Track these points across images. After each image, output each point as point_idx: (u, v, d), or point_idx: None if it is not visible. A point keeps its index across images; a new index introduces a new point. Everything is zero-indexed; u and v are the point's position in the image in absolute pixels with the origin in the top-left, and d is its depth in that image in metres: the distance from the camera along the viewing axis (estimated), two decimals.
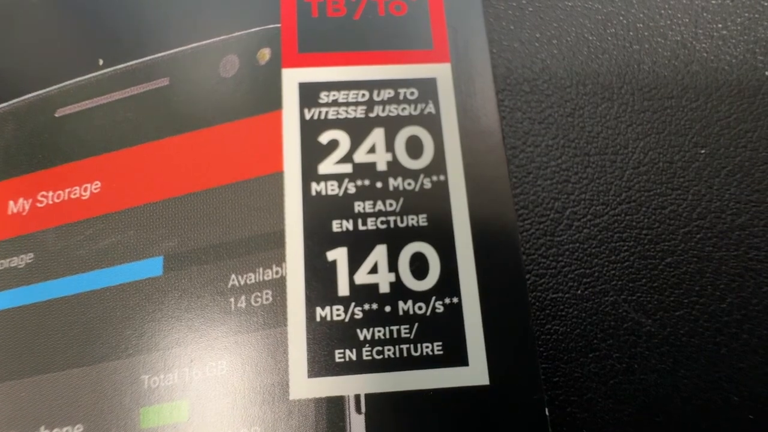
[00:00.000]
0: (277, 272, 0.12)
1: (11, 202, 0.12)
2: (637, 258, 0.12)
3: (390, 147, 0.12)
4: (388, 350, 0.11)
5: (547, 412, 0.11)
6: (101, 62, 0.13)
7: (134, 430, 0.11)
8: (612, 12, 0.14)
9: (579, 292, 0.12)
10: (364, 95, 0.13)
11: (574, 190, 0.13)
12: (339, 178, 0.12)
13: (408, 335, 0.11)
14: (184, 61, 0.13)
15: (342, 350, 0.11)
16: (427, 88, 0.13)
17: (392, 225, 0.12)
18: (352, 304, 0.11)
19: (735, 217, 0.13)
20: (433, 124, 0.13)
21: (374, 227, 0.12)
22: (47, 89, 0.13)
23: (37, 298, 0.11)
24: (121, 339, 0.11)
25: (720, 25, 0.14)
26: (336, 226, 0.12)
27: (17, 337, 0.11)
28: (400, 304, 0.11)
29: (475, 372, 0.11)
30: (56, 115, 0.13)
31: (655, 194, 0.13)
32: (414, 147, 0.13)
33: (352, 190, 0.12)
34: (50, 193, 0.12)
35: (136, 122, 0.12)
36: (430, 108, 0.13)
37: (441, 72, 0.13)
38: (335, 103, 0.13)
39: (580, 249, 0.13)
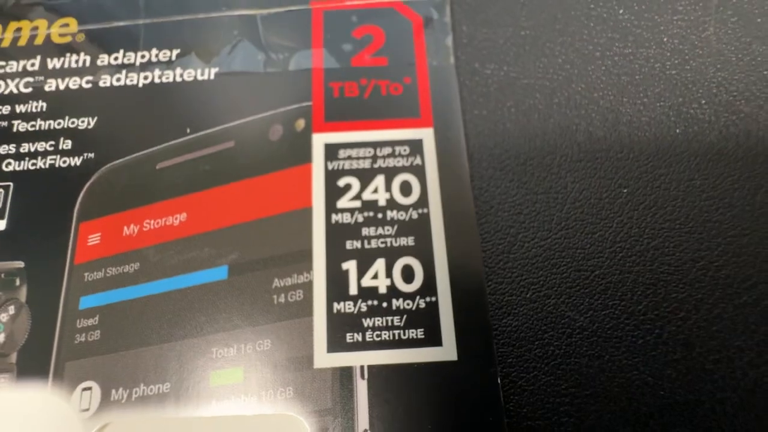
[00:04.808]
0: (306, 277, 0.15)
1: (125, 227, 0.16)
2: (573, 271, 0.15)
3: (388, 188, 0.16)
4: (385, 334, 0.14)
5: (499, 381, 0.14)
6: (188, 130, 0.17)
7: (207, 387, 0.14)
8: (557, 86, 0.18)
9: (528, 295, 0.15)
10: (369, 151, 0.16)
11: (525, 220, 0.16)
12: (351, 211, 0.16)
13: (399, 324, 0.14)
14: (244, 129, 0.17)
15: (352, 334, 0.14)
16: (416, 146, 0.16)
17: (389, 244, 0.15)
18: (359, 300, 0.15)
19: (650, 240, 0.15)
20: (419, 172, 0.16)
21: (376, 246, 0.15)
22: (151, 149, 0.17)
23: (141, 294, 0.15)
24: (197, 323, 0.15)
25: (642, 94, 0.18)
26: (349, 245, 0.15)
27: (127, 321, 0.15)
28: (394, 301, 0.15)
29: (447, 351, 0.14)
30: (156, 168, 0.16)
31: (588, 223, 0.16)
32: (405, 188, 0.16)
33: (360, 219, 0.16)
34: (152, 221, 0.16)
35: (211, 172, 0.16)
36: (418, 161, 0.16)
37: (426, 134, 0.17)
38: (349, 157, 0.16)
39: (529, 264, 0.16)
